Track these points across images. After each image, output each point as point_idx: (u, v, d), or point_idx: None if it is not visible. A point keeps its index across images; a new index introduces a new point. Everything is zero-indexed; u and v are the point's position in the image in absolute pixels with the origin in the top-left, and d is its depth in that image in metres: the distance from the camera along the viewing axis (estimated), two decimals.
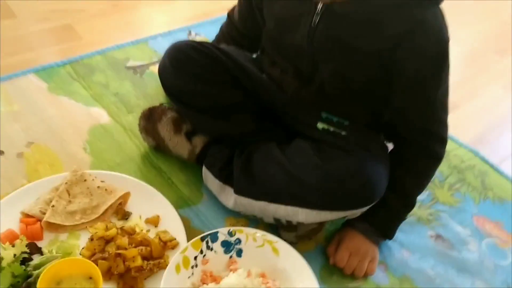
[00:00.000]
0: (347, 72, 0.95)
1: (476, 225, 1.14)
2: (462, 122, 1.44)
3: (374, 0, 0.87)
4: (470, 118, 1.48)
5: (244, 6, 1.14)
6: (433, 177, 1.21)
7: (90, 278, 0.85)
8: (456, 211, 1.16)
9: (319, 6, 0.90)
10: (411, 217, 1.11)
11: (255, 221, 1.02)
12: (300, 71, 1.00)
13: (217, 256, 0.91)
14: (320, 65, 0.96)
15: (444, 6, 0.90)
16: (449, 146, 1.34)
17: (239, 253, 0.92)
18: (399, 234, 1.06)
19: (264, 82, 1.05)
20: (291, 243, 0.94)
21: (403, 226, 1.07)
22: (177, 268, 0.86)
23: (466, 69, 1.69)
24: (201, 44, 1.04)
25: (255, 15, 1.09)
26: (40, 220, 0.93)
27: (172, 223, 0.97)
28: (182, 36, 1.52)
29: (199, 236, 0.91)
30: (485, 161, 1.31)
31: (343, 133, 0.97)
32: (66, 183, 0.99)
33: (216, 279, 0.88)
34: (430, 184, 1.20)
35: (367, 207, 0.93)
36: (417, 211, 1.13)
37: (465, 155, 1.31)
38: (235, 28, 1.19)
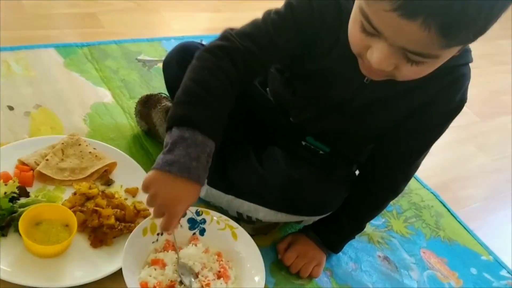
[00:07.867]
0: (374, 122, 0.97)
1: (422, 257, 1.24)
2: (431, 167, 1.55)
3: None
4: (440, 167, 1.59)
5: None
6: (392, 208, 1.33)
7: (67, 225, 0.94)
8: (406, 241, 1.26)
9: None
10: (364, 236, 1.21)
11: (222, 213, 1.11)
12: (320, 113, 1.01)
13: (182, 230, 1.00)
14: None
15: None
16: (413, 185, 1.46)
17: (202, 232, 1.01)
18: (350, 249, 1.16)
19: (268, 105, 1.10)
20: (248, 234, 1.03)
21: (355, 242, 1.17)
22: (144, 231, 0.95)
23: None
24: None
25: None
26: (33, 170, 1.03)
27: None
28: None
29: None
30: (443, 205, 1.41)
31: (321, 152, 1.07)
32: (62, 143, 1.09)
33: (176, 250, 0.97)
34: (387, 214, 1.31)
35: (318, 217, 1.03)
36: (370, 233, 1.23)
37: (426, 196, 1.42)
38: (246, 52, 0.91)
